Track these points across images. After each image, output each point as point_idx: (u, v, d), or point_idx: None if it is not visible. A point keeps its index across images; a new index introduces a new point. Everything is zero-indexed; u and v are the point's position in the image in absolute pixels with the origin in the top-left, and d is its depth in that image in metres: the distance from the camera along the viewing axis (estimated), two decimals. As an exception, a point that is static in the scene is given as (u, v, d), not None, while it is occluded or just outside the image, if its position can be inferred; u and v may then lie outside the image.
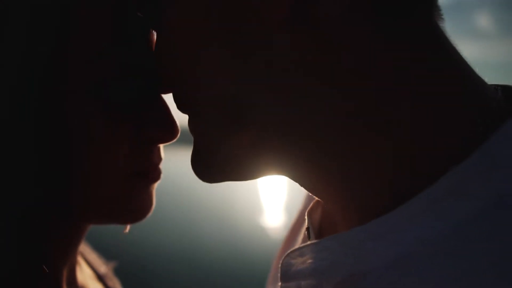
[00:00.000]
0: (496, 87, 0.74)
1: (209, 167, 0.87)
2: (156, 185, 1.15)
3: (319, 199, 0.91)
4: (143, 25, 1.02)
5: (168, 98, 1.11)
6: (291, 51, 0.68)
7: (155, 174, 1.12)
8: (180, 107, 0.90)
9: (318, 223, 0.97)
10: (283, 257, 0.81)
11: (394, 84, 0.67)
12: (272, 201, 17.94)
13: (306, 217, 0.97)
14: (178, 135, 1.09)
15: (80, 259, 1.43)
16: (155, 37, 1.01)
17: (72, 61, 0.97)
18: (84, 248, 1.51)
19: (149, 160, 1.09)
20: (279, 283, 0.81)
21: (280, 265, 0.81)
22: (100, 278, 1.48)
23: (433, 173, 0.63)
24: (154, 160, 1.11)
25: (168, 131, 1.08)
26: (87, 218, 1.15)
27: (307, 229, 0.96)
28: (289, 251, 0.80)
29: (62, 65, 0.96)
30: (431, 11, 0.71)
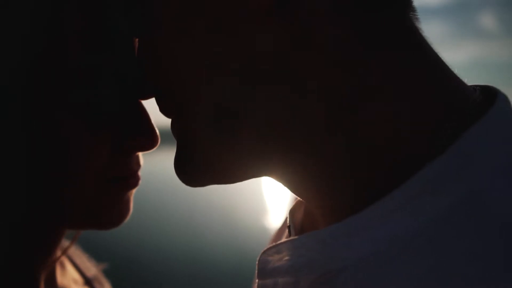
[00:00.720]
0: (475, 87, 0.75)
1: (194, 170, 0.86)
2: (134, 191, 1.14)
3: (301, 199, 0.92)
4: (125, 30, 1.00)
5: (146, 102, 1.13)
6: (275, 48, 0.69)
7: (133, 181, 1.11)
8: (164, 111, 0.89)
9: (300, 222, 0.98)
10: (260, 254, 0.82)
11: (370, 82, 0.68)
12: (276, 202, 17.98)
13: (287, 215, 0.98)
14: (158, 143, 1.08)
15: (66, 263, 1.42)
16: (136, 42, 0.99)
17: (51, 69, 0.95)
18: (72, 251, 1.50)
19: (127, 167, 1.08)
20: (256, 280, 0.82)
21: (257, 262, 0.81)
22: (88, 281, 1.47)
23: (407, 171, 0.64)
24: (133, 167, 1.10)
25: (149, 139, 1.07)
26: (64, 223, 1.14)
27: (288, 227, 0.97)
28: (266, 248, 0.80)
29: (43, 72, 0.95)
30: (406, 11, 0.72)
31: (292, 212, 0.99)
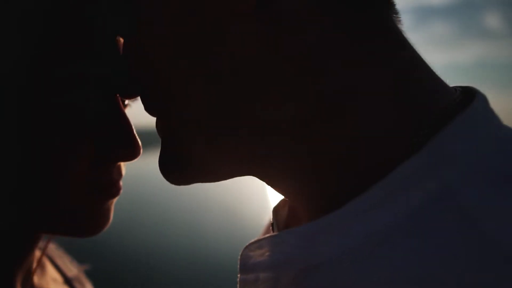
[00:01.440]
0: (457, 88, 0.78)
1: (178, 169, 0.88)
2: (114, 200, 1.15)
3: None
4: (112, 32, 1.01)
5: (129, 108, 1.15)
6: (259, 49, 0.70)
7: (114, 191, 1.11)
8: (149, 110, 0.90)
9: (285, 220, 0.99)
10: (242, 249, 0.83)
11: (350, 81, 0.70)
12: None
13: (271, 213, 1.00)
14: (140, 154, 1.09)
15: (46, 263, 1.43)
16: (121, 43, 1.01)
17: (36, 76, 0.95)
18: (53, 251, 1.52)
19: (108, 176, 1.09)
20: (238, 275, 0.83)
21: (239, 257, 0.82)
22: (68, 281, 1.47)
23: (385, 169, 0.66)
24: (114, 176, 1.10)
25: (130, 150, 1.07)
26: (42, 229, 1.15)
27: (272, 224, 0.99)
28: (248, 243, 0.82)
29: (28, 79, 0.95)
30: (388, 12, 0.74)
31: (276, 210, 1.01)
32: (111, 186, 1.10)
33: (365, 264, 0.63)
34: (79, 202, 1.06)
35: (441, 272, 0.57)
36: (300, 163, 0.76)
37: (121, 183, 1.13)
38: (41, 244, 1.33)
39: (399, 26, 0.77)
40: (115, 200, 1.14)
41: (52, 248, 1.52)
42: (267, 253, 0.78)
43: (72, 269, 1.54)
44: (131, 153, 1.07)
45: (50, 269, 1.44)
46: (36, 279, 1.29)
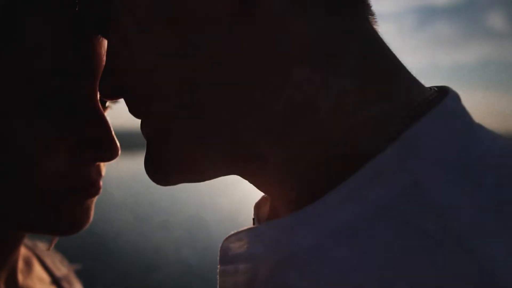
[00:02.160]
0: (432, 87, 0.81)
1: (163, 169, 0.89)
2: (95, 199, 1.16)
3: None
4: (88, 31, 1.02)
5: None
6: (239, 49, 0.73)
7: (93, 190, 1.13)
8: (133, 111, 0.91)
9: (266, 215, 1.02)
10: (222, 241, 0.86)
11: (322, 81, 0.72)
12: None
13: (253, 209, 1.03)
14: (119, 154, 1.11)
15: (33, 262, 1.45)
16: (99, 44, 1.04)
17: (12, 71, 0.97)
18: (42, 251, 1.53)
19: (87, 176, 1.11)
20: (218, 266, 0.85)
21: (219, 249, 0.85)
22: (56, 281, 1.47)
23: (359, 164, 0.69)
24: (93, 176, 1.12)
25: (109, 151, 1.10)
26: (21, 228, 1.16)
27: (253, 220, 1.02)
28: (228, 236, 0.84)
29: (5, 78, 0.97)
30: (365, 14, 0.78)
31: (258, 206, 1.04)
32: (90, 186, 1.11)
33: (332, 256, 0.67)
34: (58, 202, 1.07)
35: (401, 267, 0.59)
36: (279, 161, 0.79)
37: (101, 183, 1.15)
38: (29, 243, 1.33)
39: (375, 27, 0.80)
40: (95, 199, 1.16)
41: (42, 247, 1.53)
42: (246, 245, 0.81)
43: (61, 269, 1.56)
44: (109, 153, 1.10)
45: (38, 269, 1.45)
46: (21, 278, 1.29)
